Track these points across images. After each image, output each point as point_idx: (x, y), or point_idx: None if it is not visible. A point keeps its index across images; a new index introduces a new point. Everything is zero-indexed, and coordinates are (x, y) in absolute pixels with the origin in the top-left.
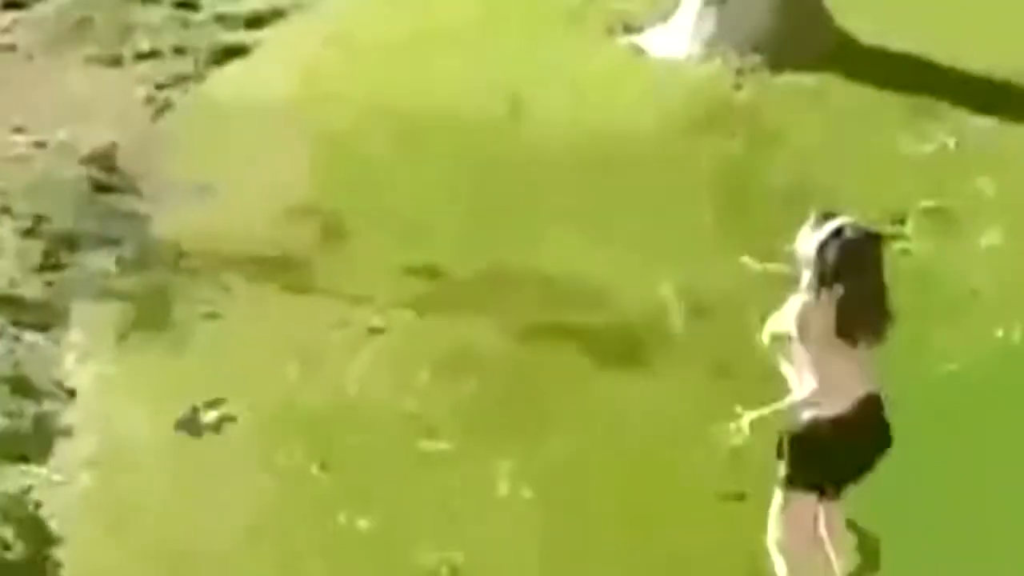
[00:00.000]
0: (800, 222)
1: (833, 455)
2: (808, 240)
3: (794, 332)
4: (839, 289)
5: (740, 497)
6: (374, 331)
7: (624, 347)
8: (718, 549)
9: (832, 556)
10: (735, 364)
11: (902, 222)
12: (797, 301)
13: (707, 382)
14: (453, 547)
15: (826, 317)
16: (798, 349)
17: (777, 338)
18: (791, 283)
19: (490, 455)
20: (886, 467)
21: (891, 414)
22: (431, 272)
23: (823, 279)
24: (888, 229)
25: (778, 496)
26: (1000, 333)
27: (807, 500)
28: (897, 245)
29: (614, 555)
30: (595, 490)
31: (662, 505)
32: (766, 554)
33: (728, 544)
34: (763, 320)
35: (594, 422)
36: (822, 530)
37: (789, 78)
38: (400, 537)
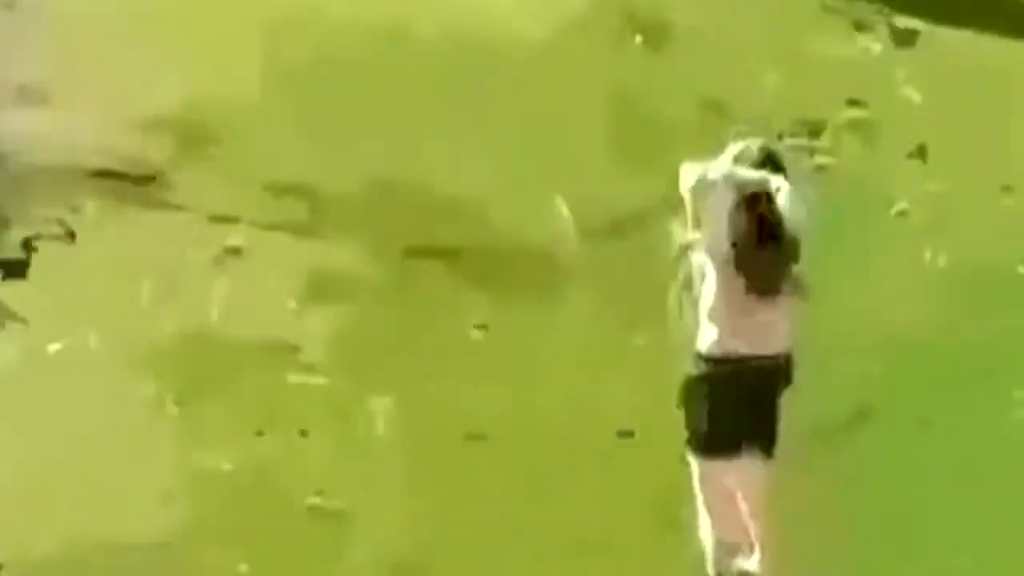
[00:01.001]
0: (705, 134)
1: (733, 408)
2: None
3: (710, 251)
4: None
5: (636, 434)
6: (237, 252)
7: (514, 271)
8: (620, 492)
9: (752, 532)
10: (632, 290)
11: (818, 134)
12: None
13: (602, 310)
14: (327, 490)
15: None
16: (712, 273)
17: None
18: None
19: (366, 391)
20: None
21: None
22: (301, 189)
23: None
24: (803, 142)
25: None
26: (928, 256)
27: (716, 465)
28: (814, 160)
29: (503, 500)
30: (480, 428)
31: (554, 442)
32: (677, 500)
33: (632, 486)
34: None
35: (479, 354)
36: (740, 501)
37: None
38: (267, 479)
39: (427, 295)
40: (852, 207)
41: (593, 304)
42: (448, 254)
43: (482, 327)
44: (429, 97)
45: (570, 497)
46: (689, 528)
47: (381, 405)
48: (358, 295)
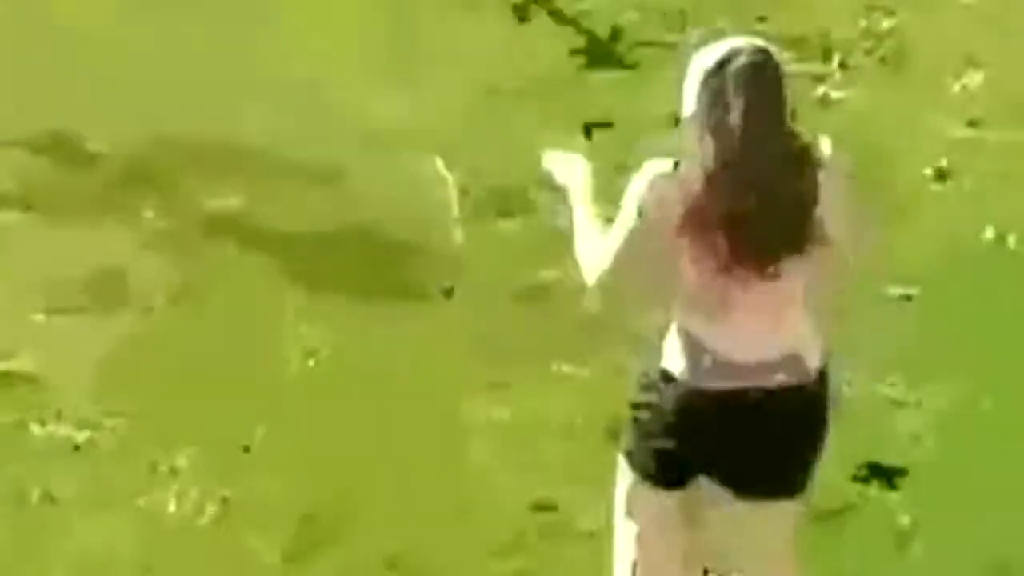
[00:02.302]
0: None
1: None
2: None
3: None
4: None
5: (553, 507)
6: None
7: (362, 266)
8: None
9: None
10: (536, 293)
11: (826, 57)
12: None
13: (503, 320)
14: None
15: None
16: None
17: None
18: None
19: (149, 441)
20: None
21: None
22: (56, 143)
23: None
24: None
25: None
26: (989, 235)
27: (659, 496)
28: (819, 90)
29: None
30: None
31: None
32: None
33: None
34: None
35: (314, 392)
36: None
37: None
38: None
39: (235, 295)
40: (873, 164)
41: (483, 318)
42: (261, 241)
43: (312, 353)
44: None
45: None
46: None
47: (169, 461)
48: (132, 302)
